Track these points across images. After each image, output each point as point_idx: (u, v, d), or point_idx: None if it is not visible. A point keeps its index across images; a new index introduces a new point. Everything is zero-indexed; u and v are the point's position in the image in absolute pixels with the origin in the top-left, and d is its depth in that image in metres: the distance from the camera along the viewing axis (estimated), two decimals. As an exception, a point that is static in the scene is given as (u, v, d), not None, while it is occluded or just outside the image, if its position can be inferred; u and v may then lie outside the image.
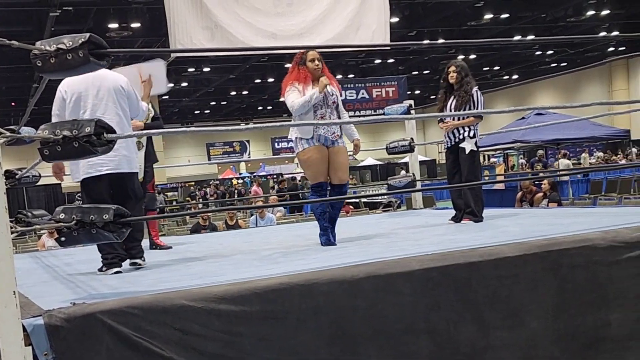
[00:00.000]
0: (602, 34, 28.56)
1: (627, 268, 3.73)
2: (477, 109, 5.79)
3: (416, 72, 37.62)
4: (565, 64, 40.05)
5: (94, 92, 4.49)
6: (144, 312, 2.85)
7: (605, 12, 26.53)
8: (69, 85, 4.51)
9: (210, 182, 35.95)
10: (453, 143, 5.95)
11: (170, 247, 6.01)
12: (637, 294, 3.75)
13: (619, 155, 29.83)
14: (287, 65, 5.53)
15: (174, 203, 30.97)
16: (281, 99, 5.11)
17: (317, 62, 4.95)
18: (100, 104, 4.47)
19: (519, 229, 4.92)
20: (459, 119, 5.89)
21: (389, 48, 18.85)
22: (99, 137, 3.21)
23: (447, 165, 6.15)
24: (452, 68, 5.96)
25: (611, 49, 36.48)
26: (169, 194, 35.11)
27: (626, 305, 3.72)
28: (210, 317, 2.95)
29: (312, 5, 8.15)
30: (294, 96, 4.93)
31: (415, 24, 25.81)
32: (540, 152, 22.80)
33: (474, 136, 5.86)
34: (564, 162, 23.02)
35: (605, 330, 3.67)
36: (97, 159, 4.28)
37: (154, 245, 6.03)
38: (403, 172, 8.47)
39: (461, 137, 5.88)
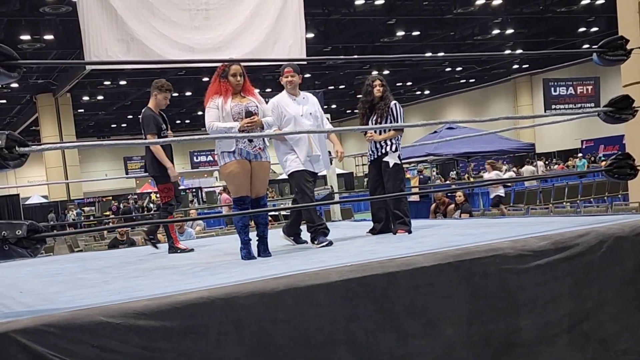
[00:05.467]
0: (507, 51, 29.85)
1: (535, 275, 3.89)
2: (398, 122, 5.89)
3: (332, 87, 38.17)
4: (473, 80, 41.57)
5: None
6: (61, 330, 2.77)
7: (509, 31, 27.75)
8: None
9: (129, 197, 35.11)
10: (376, 156, 5.98)
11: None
12: (545, 300, 3.92)
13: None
14: (205, 79, 5.53)
15: (91, 218, 30.14)
16: (199, 113, 5.08)
17: (238, 77, 4.94)
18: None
19: (434, 239, 5.02)
20: (381, 133, 5.93)
21: (305, 62, 19.02)
22: (10, 151, 3.12)
23: (370, 177, 6.17)
24: (377, 82, 5.97)
25: (515, 66, 38.15)
26: (86, 208, 34.39)
27: (535, 311, 3.88)
28: (130, 334, 2.89)
29: (229, 19, 8.15)
30: (212, 116, 4.90)
31: (330, 40, 26.24)
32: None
33: (397, 149, 5.91)
34: (529, 169, 23.96)
35: (516, 335, 3.81)
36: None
37: (173, 249, 6.29)
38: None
39: (384, 151, 5.91)
